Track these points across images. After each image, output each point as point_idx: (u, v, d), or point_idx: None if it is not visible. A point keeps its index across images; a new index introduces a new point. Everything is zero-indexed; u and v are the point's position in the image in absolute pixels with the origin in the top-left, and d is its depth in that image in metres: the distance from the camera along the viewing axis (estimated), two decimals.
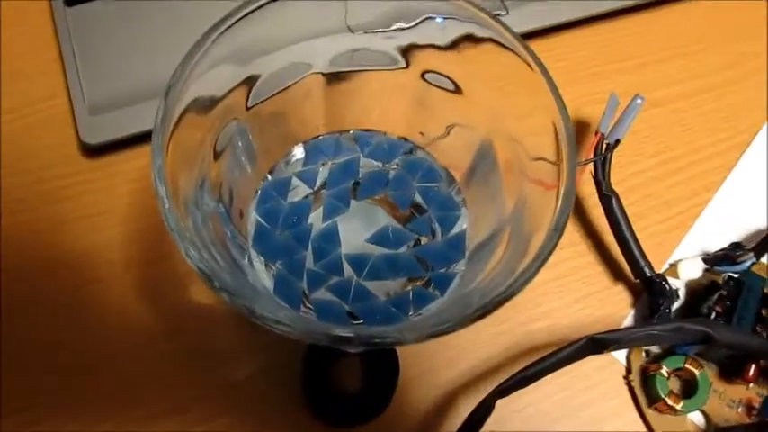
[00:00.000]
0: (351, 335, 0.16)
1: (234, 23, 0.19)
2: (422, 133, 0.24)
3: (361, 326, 0.21)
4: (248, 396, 0.24)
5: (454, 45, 0.21)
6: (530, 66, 0.19)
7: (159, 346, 0.25)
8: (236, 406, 0.24)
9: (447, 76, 0.22)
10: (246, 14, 0.19)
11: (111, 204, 0.28)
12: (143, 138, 0.28)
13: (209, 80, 0.19)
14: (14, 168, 0.28)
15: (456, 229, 0.23)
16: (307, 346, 0.25)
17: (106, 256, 0.27)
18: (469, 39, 0.21)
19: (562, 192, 0.18)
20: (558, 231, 0.17)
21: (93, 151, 0.28)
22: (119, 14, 0.31)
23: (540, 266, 0.17)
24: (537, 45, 0.20)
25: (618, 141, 0.27)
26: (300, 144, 0.25)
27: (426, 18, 0.22)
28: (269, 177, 0.24)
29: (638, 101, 0.28)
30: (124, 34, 0.31)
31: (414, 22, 0.22)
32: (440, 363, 0.25)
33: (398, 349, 0.25)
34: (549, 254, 0.17)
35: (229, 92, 0.21)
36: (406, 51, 0.22)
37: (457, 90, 0.22)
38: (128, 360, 0.25)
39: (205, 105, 0.20)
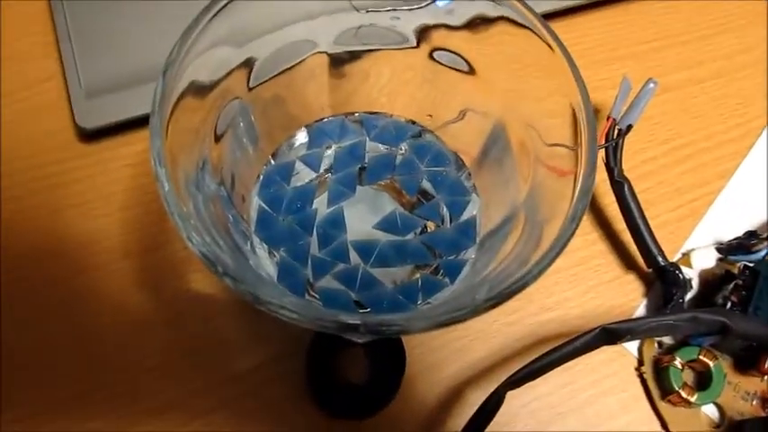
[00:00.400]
0: (358, 322, 0.15)
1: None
2: (430, 115, 0.24)
3: (369, 314, 0.21)
4: (251, 388, 0.24)
5: (468, 24, 0.20)
6: (549, 45, 0.19)
7: (160, 336, 0.24)
8: (238, 398, 0.24)
9: (460, 55, 0.21)
10: None
11: (107, 190, 0.27)
12: (139, 122, 0.27)
13: (208, 60, 0.19)
14: (9, 155, 0.27)
15: (466, 215, 0.23)
16: (311, 336, 0.24)
17: (103, 244, 0.26)
18: (483, 18, 0.20)
19: (581, 179, 0.17)
20: (575, 221, 0.16)
21: (90, 136, 0.28)
22: None
23: (556, 257, 0.16)
24: None
25: (630, 127, 0.27)
26: (304, 127, 0.24)
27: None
28: (272, 161, 0.23)
29: (651, 85, 0.27)
30: (121, 17, 0.30)
31: (423, 3, 0.21)
32: (448, 353, 0.25)
33: (406, 339, 0.24)
34: (566, 244, 0.16)
35: (230, 72, 0.20)
36: (417, 30, 0.21)
37: (471, 71, 0.21)
38: (127, 352, 0.24)
39: (204, 85, 0.19)
